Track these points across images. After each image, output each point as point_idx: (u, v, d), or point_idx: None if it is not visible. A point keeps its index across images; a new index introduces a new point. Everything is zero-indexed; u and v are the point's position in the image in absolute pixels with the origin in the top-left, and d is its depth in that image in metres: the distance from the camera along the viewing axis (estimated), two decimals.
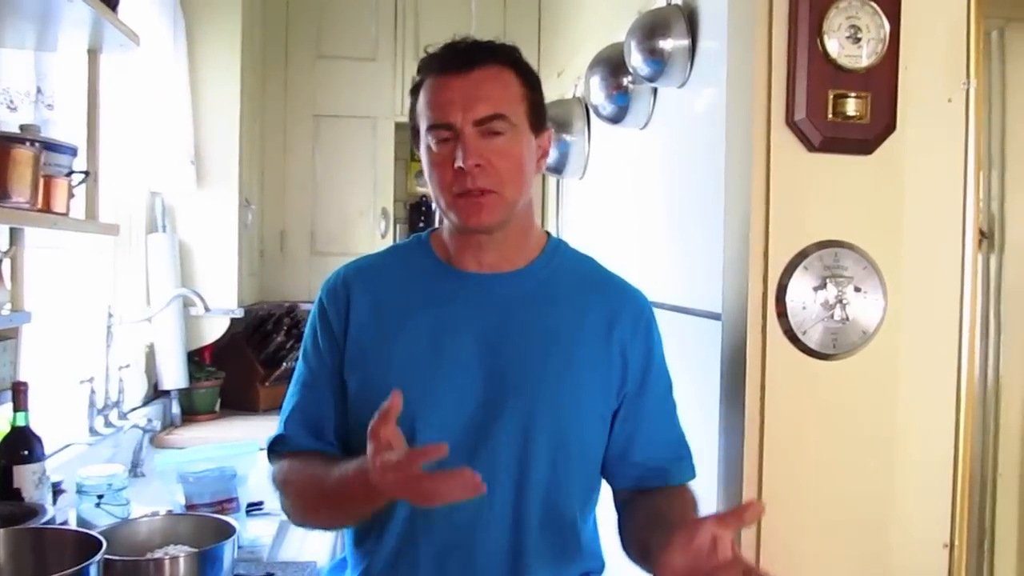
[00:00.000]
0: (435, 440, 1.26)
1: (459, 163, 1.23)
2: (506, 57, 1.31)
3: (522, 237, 1.37)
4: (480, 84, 1.26)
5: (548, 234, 1.43)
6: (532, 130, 1.32)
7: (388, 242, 3.63)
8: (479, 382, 1.29)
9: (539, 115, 1.33)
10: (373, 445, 1.08)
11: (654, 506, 1.30)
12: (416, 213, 3.99)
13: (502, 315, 1.32)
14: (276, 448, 1.38)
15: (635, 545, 1.29)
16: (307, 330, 1.40)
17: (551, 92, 2.45)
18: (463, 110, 1.24)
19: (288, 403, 1.39)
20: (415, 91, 1.32)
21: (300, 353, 1.41)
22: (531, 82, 1.33)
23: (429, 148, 1.28)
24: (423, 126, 1.29)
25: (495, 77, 1.28)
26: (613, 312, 1.35)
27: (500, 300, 1.33)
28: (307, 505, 1.32)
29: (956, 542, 1.57)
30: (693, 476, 1.39)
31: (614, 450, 1.36)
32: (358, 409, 1.32)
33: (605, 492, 1.41)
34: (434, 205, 4.11)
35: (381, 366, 1.31)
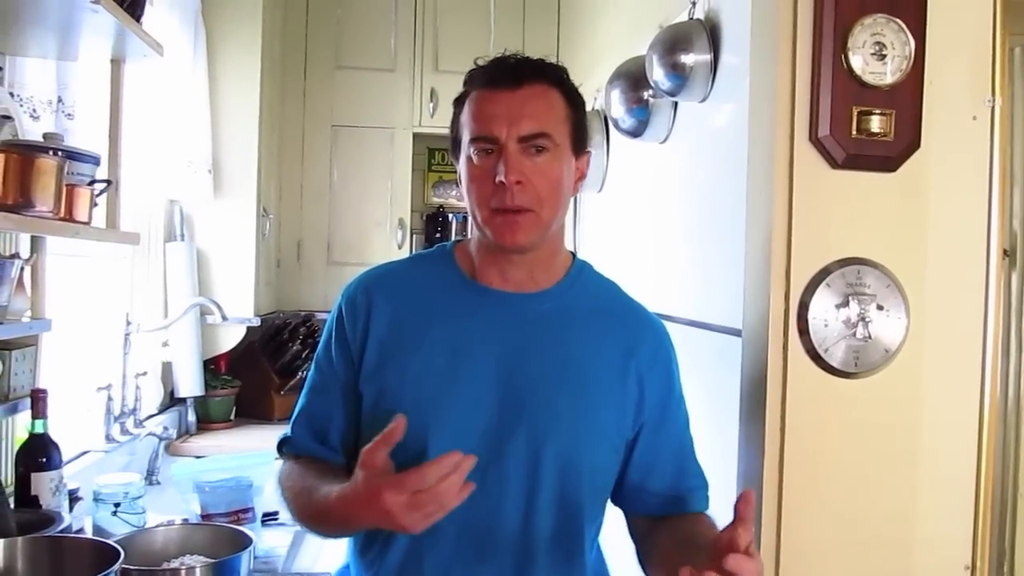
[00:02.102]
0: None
1: (500, 178, 1.22)
2: (554, 76, 1.30)
3: (551, 257, 1.36)
4: (527, 101, 1.25)
5: (573, 255, 1.42)
6: (573, 152, 1.31)
7: (404, 253, 3.64)
8: (493, 401, 1.28)
9: (581, 137, 1.32)
10: (365, 472, 1.11)
11: (683, 530, 1.29)
12: (433, 224, 3.98)
13: (522, 335, 1.31)
14: (283, 449, 1.40)
15: (664, 565, 1.27)
16: (323, 335, 1.39)
17: None
18: (508, 125, 1.24)
19: (298, 406, 1.40)
20: (459, 102, 1.32)
21: (314, 357, 1.41)
22: (576, 104, 1.32)
23: (470, 160, 1.27)
24: (465, 138, 1.28)
25: (542, 95, 1.27)
26: (632, 341, 1.34)
27: (521, 319, 1.32)
28: (299, 514, 1.32)
29: (978, 564, 1.55)
30: (707, 508, 1.38)
31: (633, 479, 1.35)
32: (371, 419, 1.31)
33: (609, 520, 1.40)
34: (449, 217, 4.06)
35: (397, 378, 1.30)
